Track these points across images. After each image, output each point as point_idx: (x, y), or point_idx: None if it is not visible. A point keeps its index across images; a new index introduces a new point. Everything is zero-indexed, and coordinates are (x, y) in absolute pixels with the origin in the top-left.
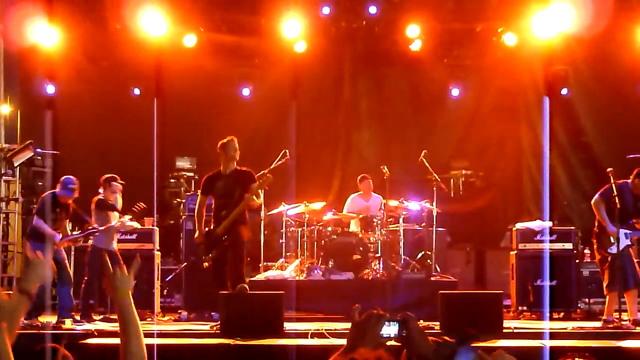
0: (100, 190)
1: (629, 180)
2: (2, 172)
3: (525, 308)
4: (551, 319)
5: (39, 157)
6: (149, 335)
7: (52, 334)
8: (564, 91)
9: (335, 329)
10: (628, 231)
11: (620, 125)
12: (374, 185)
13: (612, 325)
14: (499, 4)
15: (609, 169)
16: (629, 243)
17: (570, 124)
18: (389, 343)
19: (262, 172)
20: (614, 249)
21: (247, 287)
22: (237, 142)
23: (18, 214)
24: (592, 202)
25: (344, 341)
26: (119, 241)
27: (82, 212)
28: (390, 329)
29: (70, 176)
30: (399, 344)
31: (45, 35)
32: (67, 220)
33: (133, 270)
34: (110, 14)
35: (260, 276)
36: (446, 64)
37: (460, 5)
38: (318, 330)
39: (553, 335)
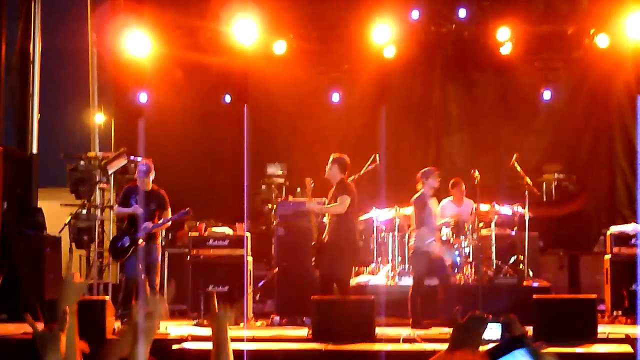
0: None
1: None
2: (97, 180)
3: (620, 313)
4: None
5: (133, 165)
6: (239, 340)
7: None
8: None
9: (427, 334)
10: None
11: None
12: (464, 190)
13: None
14: (590, 5)
15: None
16: None
17: None
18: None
19: (351, 177)
20: None
21: None
22: (330, 148)
23: (113, 222)
24: None
25: (435, 346)
26: (211, 247)
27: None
28: (492, 332)
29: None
30: None
31: (137, 45)
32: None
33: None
34: (201, 22)
35: (352, 281)
36: (537, 67)
37: (551, 7)
38: (409, 335)
39: None
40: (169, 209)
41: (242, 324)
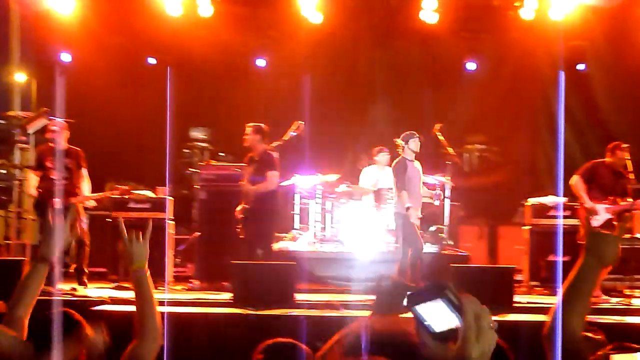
0: None
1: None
2: (17, 139)
3: (537, 283)
4: None
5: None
6: (160, 304)
7: (64, 300)
8: (581, 66)
9: (347, 301)
10: (607, 205)
11: (637, 102)
12: (388, 158)
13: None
14: None
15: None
16: (610, 217)
17: (586, 100)
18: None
19: (275, 143)
20: (594, 224)
21: None
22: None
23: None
24: (571, 182)
25: (356, 313)
26: (132, 210)
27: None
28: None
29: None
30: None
31: (61, 2)
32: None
33: (147, 236)
34: None
35: (274, 247)
36: (462, 38)
37: None
38: (329, 301)
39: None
40: (85, 168)
41: (162, 288)
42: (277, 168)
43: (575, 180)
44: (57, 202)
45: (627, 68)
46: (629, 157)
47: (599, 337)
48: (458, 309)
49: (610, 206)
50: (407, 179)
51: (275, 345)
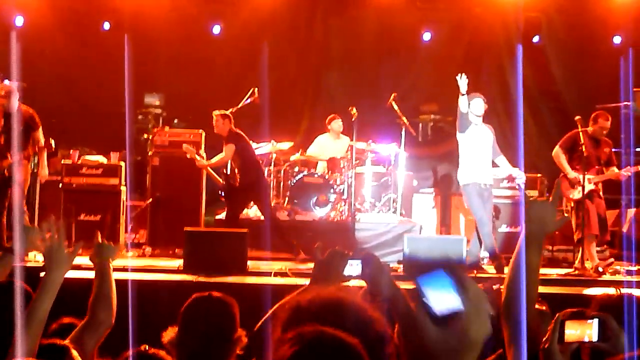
0: None
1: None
2: None
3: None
4: None
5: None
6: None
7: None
8: (536, 39)
9: (299, 269)
10: (590, 176)
11: (591, 75)
12: (342, 126)
13: (575, 272)
14: None
15: (576, 117)
16: (593, 188)
17: (541, 72)
18: (351, 282)
19: (230, 110)
20: (576, 195)
21: None
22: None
23: None
24: (553, 153)
25: (307, 281)
26: (85, 176)
27: None
28: (353, 268)
29: None
30: (361, 282)
31: None
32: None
33: (107, 249)
34: None
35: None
36: (419, 7)
37: None
38: (281, 269)
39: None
40: (40, 130)
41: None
42: (234, 141)
43: (556, 151)
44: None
45: (581, 39)
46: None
47: (544, 308)
48: (462, 290)
49: (592, 176)
50: (467, 143)
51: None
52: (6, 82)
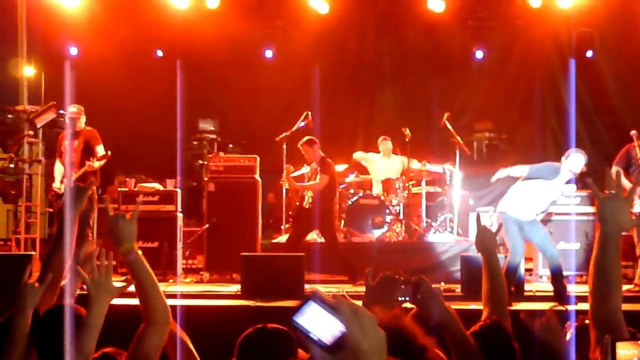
0: None
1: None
2: (26, 133)
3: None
4: (577, 282)
5: (61, 119)
6: (171, 297)
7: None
8: (589, 53)
9: (357, 292)
10: None
11: None
12: (396, 147)
13: (636, 289)
14: None
15: (632, 132)
16: None
17: (594, 87)
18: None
19: (283, 134)
20: (636, 208)
21: None
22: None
23: (41, 176)
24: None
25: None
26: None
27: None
28: (404, 292)
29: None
30: (413, 306)
31: None
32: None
33: (135, 215)
34: None
35: (282, 238)
36: (470, 26)
37: None
38: (339, 292)
39: (578, 299)
40: (100, 145)
41: (171, 280)
42: (327, 172)
43: (614, 170)
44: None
45: (634, 54)
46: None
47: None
48: (333, 309)
49: None
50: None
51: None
52: (61, 112)
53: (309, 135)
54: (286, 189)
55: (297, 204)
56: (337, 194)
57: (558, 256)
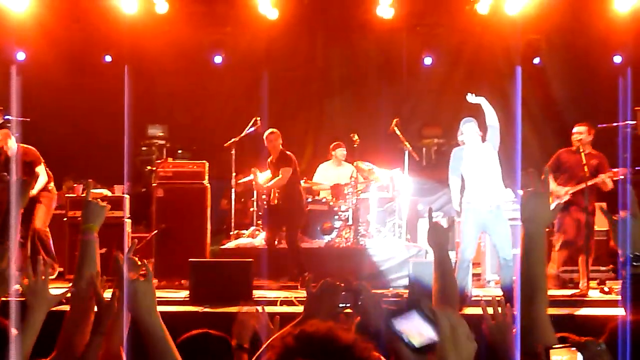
0: None
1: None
2: None
3: (496, 277)
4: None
5: (8, 124)
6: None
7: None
8: (537, 60)
9: (305, 297)
10: (566, 188)
11: (592, 95)
12: (345, 153)
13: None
14: None
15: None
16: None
17: (542, 93)
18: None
19: (232, 140)
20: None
21: None
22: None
23: None
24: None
25: None
26: None
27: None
28: (346, 299)
29: None
30: (353, 313)
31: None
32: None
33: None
34: None
35: (231, 244)
36: (418, 32)
37: None
38: (287, 298)
39: None
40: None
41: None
42: (290, 164)
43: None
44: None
45: (581, 61)
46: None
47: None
48: (433, 321)
49: (567, 188)
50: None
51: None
52: (8, 117)
53: (259, 140)
54: (237, 192)
55: (265, 203)
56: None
57: (512, 263)
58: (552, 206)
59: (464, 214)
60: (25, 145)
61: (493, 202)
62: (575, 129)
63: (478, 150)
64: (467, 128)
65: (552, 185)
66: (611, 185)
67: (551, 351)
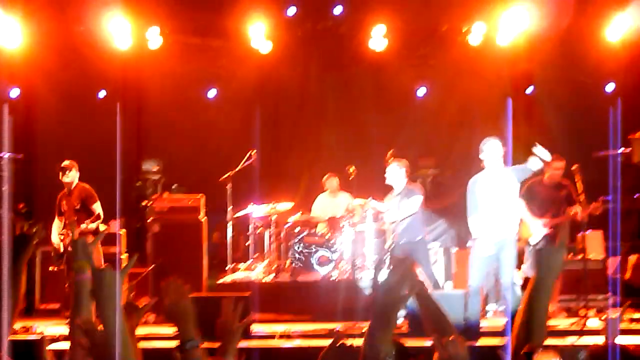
0: None
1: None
2: None
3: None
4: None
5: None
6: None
7: (17, 340)
8: (529, 90)
9: (303, 331)
10: (544, 220)
11: (585, 124)
12: (341, 185)
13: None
14: (463, 3)
15: (573, 167)
16: (547, 231)
17: (535, 123)
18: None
19: (227, 174)
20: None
21: None
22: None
23: None
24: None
25: (311, 343)
26: None
27: None
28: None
29: None
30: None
31: (8, 37)
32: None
33: (97, 239)
34: (74, 15)
35: (227, 278)
36: (412, 64)
37: (426, 5)
38: (285, 332)
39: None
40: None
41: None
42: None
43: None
44: None
45: (574, 91)
46: (573, 175)
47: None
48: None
49: (546, 220)
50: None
51: None
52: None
53: (254, 173)
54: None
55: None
56: (268, 230)
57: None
58: (539, 238)
59: (476, 244)
60: (83, 183)
61: (507, 236)
62: (558, 164)
63: (497, 176)
64: (489, 146)
65: (528, 217)
66: (583, 216)
67: (534, 356)
